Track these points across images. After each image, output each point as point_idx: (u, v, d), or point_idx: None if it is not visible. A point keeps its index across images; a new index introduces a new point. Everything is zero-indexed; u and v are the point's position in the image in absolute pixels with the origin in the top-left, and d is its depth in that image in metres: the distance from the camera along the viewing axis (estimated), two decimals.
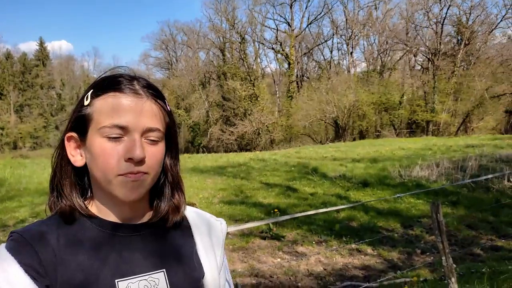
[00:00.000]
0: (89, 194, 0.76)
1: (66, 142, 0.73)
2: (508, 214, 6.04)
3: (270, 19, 39.36)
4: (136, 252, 0.72)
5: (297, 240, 5.61)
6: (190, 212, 0.85)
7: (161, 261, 0.74)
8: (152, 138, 0.70)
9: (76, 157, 0.73)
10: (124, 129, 0.68)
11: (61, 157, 0.74)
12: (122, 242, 0.72)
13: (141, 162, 0.68)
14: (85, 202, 0.74)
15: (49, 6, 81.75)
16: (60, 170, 0.74)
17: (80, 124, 0.71)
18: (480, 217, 6.11)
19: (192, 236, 0.81)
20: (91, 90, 0.71)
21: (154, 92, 0.73)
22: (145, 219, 0.77)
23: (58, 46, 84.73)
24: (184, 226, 0.82)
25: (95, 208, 0.74)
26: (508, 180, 7.37)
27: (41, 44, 52.00)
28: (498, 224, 5.74)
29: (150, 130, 0.70)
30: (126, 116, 0.68)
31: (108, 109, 0.68)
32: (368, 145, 19.81)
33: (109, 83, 0.71)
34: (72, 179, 0.74)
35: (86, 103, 0.70)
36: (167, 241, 0.77)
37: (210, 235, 0.83)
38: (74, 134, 0.72)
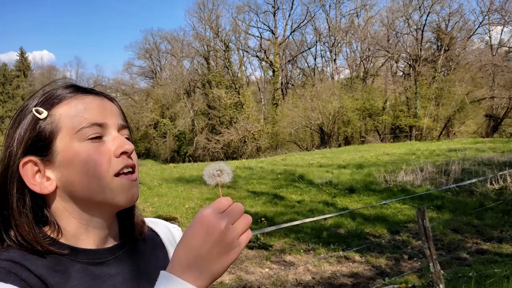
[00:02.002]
0: (54, 224, 0.64)
1: (21, 170, 0.61)
2: (492, 217, 6.12)
3: (254, 27, 39.86)
4: (116, 277, 0.66)
5: (285, 249, 5.56)
6: (155, 223, 0.82)
7: (139, 283, 0.69)
8: (125, 137, 0.68)
9: (41, 184, 0.62)
10: (103, 127, 0.64)
11: (16, 190, 0.62)
12: (101, 269, 0.65)
13: (131, 156, 0.66)
14: (50, 234, 0.63)
15: (30, 16, 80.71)
16: (15, 205, 0.61)
17: (39, 143, 0.62)
18: (465, 220, 6.18)
19: (164, 247, 0.78)
20: (38, 106, 0.63)
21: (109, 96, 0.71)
22: (117, 239, 0.71)
23: (39, 56, 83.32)
24: (152, 239, 0.78)
25: (64, 237, 0.64)
26: (491, 183, 7.49)
27: (22, 54, 51.17)
28: (482, 227, 5.81)
29: (123, 127, 0.68)
30: (100, 114, 0.65)
31: (78, 111, 0.63)
32: (353, 151, 19.99)
33: (63, 91, 0.65)
34: (32, 213, 0.62)
35: (41, 116, 0.62)
36: (142, 259, 0.73)
37: (176, 244, 0.80)
38: (32, 158, 0.62)
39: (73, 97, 0.64)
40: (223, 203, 0.60)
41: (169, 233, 0.82)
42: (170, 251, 0.77)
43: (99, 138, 0.64)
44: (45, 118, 0.62)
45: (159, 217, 2.23)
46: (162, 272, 0.57)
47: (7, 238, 0.62)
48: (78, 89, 0.66)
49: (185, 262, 0.56)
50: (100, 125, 0.64)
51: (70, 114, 0.63)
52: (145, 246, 0.75)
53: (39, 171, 0.63)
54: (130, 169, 0.65)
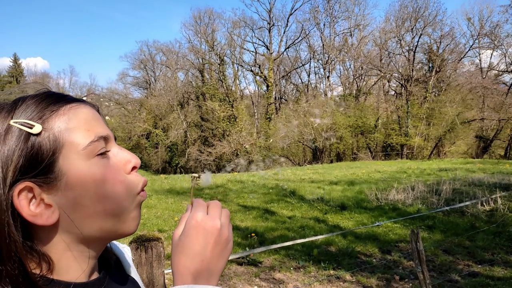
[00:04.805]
0: (45, 259, 0.53)
1: (16, 201, 0.49)
2: (483, 239, 6.10)
3: (249, 42, 39.94)
4: None
5: (274, 266, 5.45)
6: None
7: None
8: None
9: (42, 214, 0.51)
10: (106, 140, 0.57)
11: (8, 227, 0.49)
12: None
13: None
14: (40, 272, 0.53)
15: (25, 23, 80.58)
16: (5, 248, 0.48)
17: (35, 163, 0.50)
18: (456, 241, 6.15)
19: (124, 270, 0.71)
20: (18, 118, 0.51)
21: None
22: (97, 267, 0.63)
23: (33, 63, 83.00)
24: (117, 264, 0.71)
25: (56, 272, 0.54)
26: (482, 205, 7.50)
27: (15, 60, 50.81)
28: (474, 249, 5.77)
29: (115, 138, 0.62)
30: (99, 125, 0.57)
31: (80, 123, 0.54)
32: (345, 168, 20.00)
33: (50, 100, 0.54)
34: (27, 253, 0.51)
35: (34, 131, 0.50)
36: (120, 285, 0.67)
37: (133, 266, 0.74)
38: (28, 183, 0.50)
39: (68, 107, 0.54)
40: (204, 205, 0.62)
41: (123, 254, 0.74)
42: (137, 279, 0.71)
43: (105, 153, 0.56)
44: (39, 133, 0.51)
45: (142, 236, 2.14)
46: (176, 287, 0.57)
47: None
48: (64, 98, 0.56)
49: (194, 270, 0.58)
50: (105, 138, 0.56)
51: (71, 127, 0.53)
52: (117, 274, 0.69)
53: (33, 197, 0.51)
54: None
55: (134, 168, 0.59)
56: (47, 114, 0.52)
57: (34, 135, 0.50)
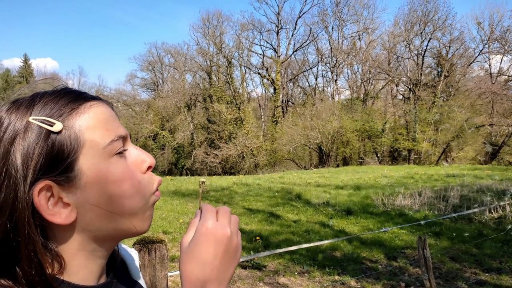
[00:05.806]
0: (57, 259, 0.52)
1: (36, 199, 0.48)
2: (491, 246, 6.01)
3: (257, 44, 40.00)
4: None
5: (278, 271, 5.42)
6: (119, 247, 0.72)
7: None
8: None
9: (60, 212, 0.51)
10: (124, 140, 0.57)
11: (28, 226, 0.48)
12: None
13: None
14: (52, 271, 0.51)
15: (35, 24, 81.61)
16: (25, 249, 0.48)
17: (56, 162, 0.49)
18: (463, 249, 6.07)
19: (130, 274, 0.70)
20: (37, 115, 0.50)
21: None
22: (104, 270, 0.62)
23: (43, 63, 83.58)
24: (123, 266, 0.69)
25: (66, 273, 0.53)
26: (490, 212, 7.40)
27: (25, 61, 51.46)
28: (481, 257, 5.69)
29: (130, 136, 0.61)
30: (118, 125, 0.56)
31: (100, 122, 0.53)
32: (351, 172, 19.90)
33: (69, 97, 0.53)
34: (43, 249, 0.50)
35: (55, 129, 0.49)
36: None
37: (139, 271, 0.73)
38: (48, 182, 0.49)
39: (88, 105, 0.53)
40: (213, 211, 0.61)
41: (134, 259, 0.73)
42: (143, 283, 0.70)
43: (123, 152, 0.56)
44: (60, 131, 0.50)
45: (145, 238, 2.12)
46: None
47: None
48: (83, 95, 0.55)
49: (203, 278, 0.57)
50: (124, 137, 0.56)
51: (91, 125, 0.52)
52: (124, 278, 0.68)
53: (51, 196, 0.50)
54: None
55: (149, 167, 0.58)
56: (67, 112, 0.51)
57: (54, 133, 0.49)
